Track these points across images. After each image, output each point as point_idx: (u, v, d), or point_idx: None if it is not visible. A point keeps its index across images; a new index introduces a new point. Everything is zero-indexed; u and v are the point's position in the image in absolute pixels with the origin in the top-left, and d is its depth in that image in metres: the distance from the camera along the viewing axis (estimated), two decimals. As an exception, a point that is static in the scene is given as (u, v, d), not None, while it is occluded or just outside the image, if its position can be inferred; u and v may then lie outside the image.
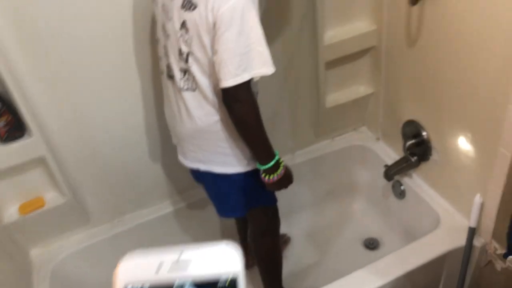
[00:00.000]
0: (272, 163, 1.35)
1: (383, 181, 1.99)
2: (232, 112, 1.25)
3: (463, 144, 1.59)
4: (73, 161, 1.69)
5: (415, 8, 1.55)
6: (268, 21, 1.67)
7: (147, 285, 0.45)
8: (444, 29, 1.49)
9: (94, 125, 1.67)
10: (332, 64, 1.95)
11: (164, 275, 0.45)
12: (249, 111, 1.25)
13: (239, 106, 1.23)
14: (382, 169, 1.95)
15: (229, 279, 0.45)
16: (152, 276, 0.45)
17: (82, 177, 1.75)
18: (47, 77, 1.50)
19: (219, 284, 0.45)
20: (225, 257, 0.46)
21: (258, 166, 1.38)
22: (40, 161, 1.62)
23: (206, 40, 1.18)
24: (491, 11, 1.29)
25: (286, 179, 1.43)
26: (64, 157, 1.66)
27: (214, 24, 1.14)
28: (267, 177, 1.37)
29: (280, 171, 1.38)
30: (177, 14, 1.21)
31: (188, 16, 1.18)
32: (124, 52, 1.57)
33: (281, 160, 1.39)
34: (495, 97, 1.37)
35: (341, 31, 1.88)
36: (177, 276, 0.45)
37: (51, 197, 1.74)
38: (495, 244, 1.58)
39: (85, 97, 1.60)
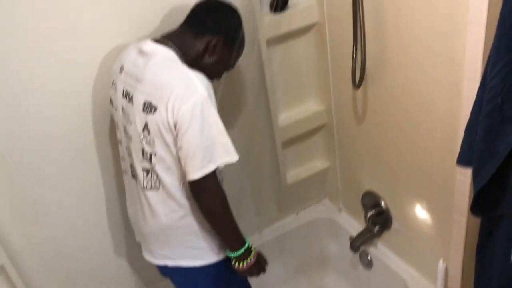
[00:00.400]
0: (242, 250, 1.36)
1: (350, 252, 2.02)
2: (201, 202, 1.28)
3: (420, 212, 1.66)
4: (36, 266, 1.63)
5: (359, 90, 1.67)
6: (224, 108, 1.76)
7: None
8: (387, 107, 1.61)
9: (56, 226, 1.63)
10: (289, 142, 2.03)
11: None
12: (216, 200, 1.28)
13: (207, 195, 1.26)
14: (348, 241, 1.98)
15: None
16: None
17: (45, 282, 1.68)
18: (1, 180, 1.47)
19: None
20: None
21: (228, 253, 1.38)
22: (0, 271, 1.56)
23: (169, 139, 1.22)
24: (423, 86, 1.41)
25: (258, 266, 1.43)
26: (25, 263, 1.60)
27: (175, 124, 1.18)
28: (237, 264, 1.37)
29: (251, 258, 1.38)
30: (138, 117, 1.25)
31: (149, 118, 1.22)
32: (85, 151, 1.58)
33: (252, 247, 1.39)
34: (444, 167, 1.46)
35: (293, 112, 1.98)
36: None
37: (12, 307, 1.65)
38: (464, 308, 1.61)
39: (45, 198, 1.58)
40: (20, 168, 1.50)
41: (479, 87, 1.06)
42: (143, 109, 1.23)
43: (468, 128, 1.10)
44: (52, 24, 1.36)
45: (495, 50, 0.94)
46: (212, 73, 1.36)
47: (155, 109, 1.20)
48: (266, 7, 1.71)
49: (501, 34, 0.91)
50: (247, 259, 1.37)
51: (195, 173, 1.21)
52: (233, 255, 1.36)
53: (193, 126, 1.18)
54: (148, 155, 1.27)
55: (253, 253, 1.39)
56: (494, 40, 0.94)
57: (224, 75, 1.46)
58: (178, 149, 1.22)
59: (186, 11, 1.37)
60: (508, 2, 0.88)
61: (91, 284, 1.80)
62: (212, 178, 1.24)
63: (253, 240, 2.12)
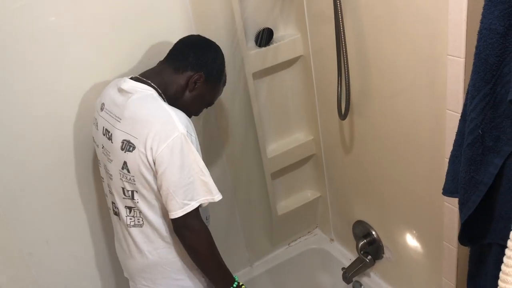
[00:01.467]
0: None
1: (343, 283, 2.00)
2: (184, 241, 1.26)
3: (411, 241, 1.66)
4: (21, 308, 1.60)
5: (346, 120, 1.69)
6: (213, 141, 1.78)
7: None
8: (373, 138, 1.63)
9: (43, 264, 1.60)
10: (278, 173, 2.03)
11: None
12: (200, 238, 1.27)
13: (190, 234, 1.25)
14: (341, 271, 1.96)
15: None
16: None
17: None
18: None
19: None
20: None
21: None
22: (-16, 314, 1.52)
23: (149, 177, 1.22)
24: (408, 117, 1.43)
25: None
26: (10, 305, 1.57)
27: (154, 163, 1.18)
28: None
29: None
30: (118, 156, 1.24)
31: (128, 157, 1.22)
32: (68, 188, 1.57)
33: (242, 285, 1.37)
34: (432, 195, 1.46)
35: (282, 143, 1.99)
36: None
37: None
38: (459, 338, 1.59)
39: (30, 237, 1.56)
40: (5, 207, 1.48)
41: (460, 118, 1.08)
42: (121, 147, 1.23)
43: (452, 159, 1.12)
44: (37, 61, 1.37)
45: (472, 83, 0.96)
46: (191, 109, 1.37)
47: (134, 148, 1.20)
48: (251, 42, 1.75)
49: (477, 68, 0.94)
50: None
51: (177, 212, 1.20)
52: None
53: (173, 165, 1.17)
54: (130, 193, 1.27)
55: None
56: (472, 73, 0.96)
57: (204, 112, 1.47)
58: (158, 187, 1.21)
59: (166, 50, 1.39)
60: (482, 37, 0.91)
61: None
62: (194, 216, 1.23)
63: (245, 273, 2.10)
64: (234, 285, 1.34)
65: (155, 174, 1.20)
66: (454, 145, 1.10)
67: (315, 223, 2.29)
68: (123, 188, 1.28)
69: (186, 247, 1.27)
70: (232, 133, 1.85)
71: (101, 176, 1.41)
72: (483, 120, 0.96)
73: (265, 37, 1.72)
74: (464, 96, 1.12)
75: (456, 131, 1.11)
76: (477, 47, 0.92)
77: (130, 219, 1.30)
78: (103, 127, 1.30)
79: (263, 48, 1.74)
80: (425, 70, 1.30)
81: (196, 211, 1.23)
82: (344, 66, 1.52)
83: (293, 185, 2.13)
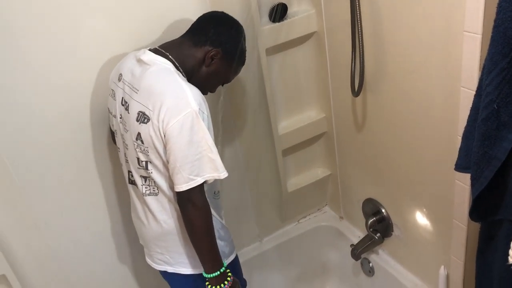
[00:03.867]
0: (217, 273, 1.32)
1: (352, 260, 2.02)
2: (184, 215, 1.28)
3: (421, 219, 1.67)
4: (37, 275, 1.64)
5: (359, 97, 1.68)
6: (225, 118, 1.78)
7: None
8: (386, 115, 1.62)
9: (58, 235, 1.64)
10: (289, 151, 2.04)
11: None
12: (200, 214, 1.27)
13: (191, 208, 1.26)
14: (349, 248, 1.98)
15: None
16: None
17: (47, 292, 1.68)
18: (4, 191, 1.48)
19: None
20: None
21: (203, 274, 1.34)
22: (1, 280, 1.56)
23: (161, 149, 1.23)
24: (421, 95, 1.43)
25: None
26: (27, 273, 1.61)
27: (165, 135, 1.20)
28: (210, 287, 1.34)
29: (226, 283, 1.33)
30: (133, 127, 1.26)
31: (143, 128, 1.23)
32: (84, 159, 1.59)
33: (229, 273, 1.36)
34: (443, 173, 1.47)
35: (293, 120, 2.00)
36: None
37: (13, 318, 1.65)
38: (466, 314, 1.61)
39: (46, 208, 1.59)
40: (21, 177, 1.51)
41: (475, 94, 1.08)
42: (137, 118, 1.25)
43: (466, 135, 1.12)
44: (52, 29, 1.38)
45: (490, 57, 0.95)
46: (206, 85, 1.38)
47: (148, 119, 1.22)
48: (265, 17, 1.74)
49: (495, 41, 0.93)
50: (221, 284, 1.33)
51: (182, 186, 1.22)
52: (207, 276, 1.32)
53: (181, 140, 1.18)
54: (144, 163, 1.29)
55: (228, 279, 1.34)
56: (489, 46, 0.96)
57: (220, 89, 1.46)
58: (167, 159, 1.23)
59: (186, 24, 1.39)
60: (502, 10, 0.90)
61: (93, 292, 1.80)
62: (198, 192, 1.24)
63: (254, 248, 2.13)
64: (221, 270, 1.33)
65: (164, 147, 1.22)
66: (468, 121, 1.10)
67: (324, 201, 2.30)
68: (137, 159, 1.30)
69: (185, 220, 1.29)
70: (244, 110, 1.86)
71: (117, 146, 1.43)
72: (499, 95, 0.95)
73: (279, 13, 1.71)
74: (480, 74, 1.11)
75: (470, 107, 1.10)
76: (495, 20, 0.92)
77: (146, 188, 1.33)
78: (122, 97, 1.32)
79: (277, 24, 1.73)
80: (441, 47, 1.29)
81: (201, 187, 1.24)
82: (359, 42, 1.51)
83: (304, 162, 2.14)
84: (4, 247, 1.52)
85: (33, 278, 1.63)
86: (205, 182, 1.24)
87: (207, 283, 1.34)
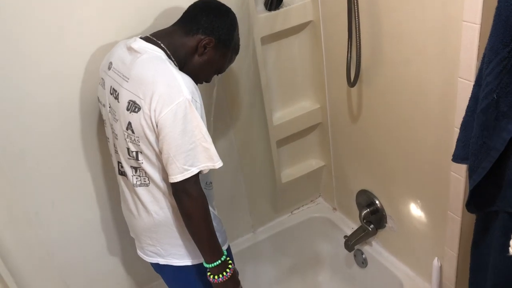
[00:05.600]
0: (218, 262, 1.30)
1: (345, 251, 2.02)
2: (181, 206, 1.26)
3: (415, 210, 1.66)
4: (28, 267, 1.61)
5: (354, 88, 1.67)
6: (219, 107, 1.76)
7: None
8: (382, 106, 1.61)
9: (48, 225, 1.61)
10: (283, 141, 2.03)
11: None
12: (196, 204, 1.25)
13: (187, 199, 1.24)
14: (343, 239, 1.98)
15: None
16: None
17: (39, 282, 1.66)
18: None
19: None
20: None
21: (204, 264, 1.32)
22: (-9, 271, 1.54)
23: (152, 139, 1.21)
24: (418, 85, 1.42)
25: (233, 281, 1.36)
26: (17, 263, 1.58)
27: (157, 125, 1.17)
28: (212, 277, 1.32)
29: (228, 271, 1.32)
30: (123, 116, 1.23)
31: (133, 117, 1.21)
32: (73, 149, 1.57)
33: (229, 261, 1.35)
34: (439, 165, 1.46)
35: (288, 111, 1.98)
36: None
37: (3, 309, 1.63)
38: (458, 306, 1.62)
39: (37, 198, 1.56)
40: (12, 168, 1.48)
41: (474, 84, 1.07)
42: (127, 108, 1.22)
43: (464, 125, 1.11)
44: (42, 17, 1.35)
45: (490, 46, 0.94)
46: (200, 74, 1.35)
47: (139, 108, 1.19)
48: (261, 5, 1.71)
49: (496, 30, 0.91)
50: (222, 272, 1.32)
51: (176, 176, 1.19)
52: (208, 266, 1.31)
53: (175, 129, 1.16)
54: (134, 153, 1.26)
55: (229, 267, 1.33)
56: (490, 36, 0.94)
57: (214, 78, 1.44)
58: (160, 149, 1.21)
59: (178, 12, 1.36)
60: (504, -3, 0.88)
61: (83, 283, 1.78)
62: (193, 183, 1.22)
63: (248, 239, 2.12)
64: (222, 259, 1.31)
65: (157, 136, 1.20)
66: (466, 111, 1.09)
67: (318, 192, 2.30)
68: (127, 149, 1.27)
69: (182, 212, 1.27)
70: (239, 99, 1.83)
71: (107, 136, 1.40)
72: (499, 85, 0.94)
73: (275, 1, 1.69)
74: (478, 64, 1.10)
75: (468, 99, 1.09)
76: (497, 8, 0.90)
77: (136, 178, 1.30)
78: (111, 86, 1.29)
79: (273, 12, 1.71)
80: (438, 37, 1.28)
81: (196, 177, 1.22)
82: (356, 31, 1.49)
83: (298, 153, 2.13)
84: (-6, 237, 1.50)
85: (24, 268, 1.61)
86: (200, 172, 1.22)
87: (208, 273, 1.32)
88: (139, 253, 1.48)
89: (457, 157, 1.15)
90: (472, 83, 1.09)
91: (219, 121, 1.79)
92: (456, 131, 1.18)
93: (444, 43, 1.27)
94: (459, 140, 1.13)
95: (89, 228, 1.71)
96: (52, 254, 1.66)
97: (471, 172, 1.09)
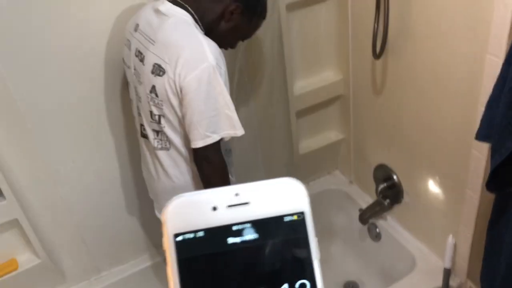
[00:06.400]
0: None
1: (359, 224, 2.03)
2: (201, 172, 1.28)
3: (433, 187, 1.65)
4: (48, 220, 1.67)
5: (379, 61, 1.63)
6: (240, 74, 1.75)
7: (201, 232, 0.38)
8: (407, 79, 1.58)
9: (68, 181, 1.66)
10: (303, 112, 2.01)
11: (220, 219, 0.38)
12: (216, 171, 1.27)
13: (207, 165, 1.26)
14: (357, 212, 1.99)
15: (295, 218, 0.39)
16: (205, 221, 0.38)
17: (57, 236, 1.72)
18: (18, 138, 1.49)
19: (284, 224, 0.39)
20: (289, 193, 0.40)
21: None
22: (14, 224, 1.59)
23: (175, 103, 1.21)
24: (444, 60, 1.38)
25: None
26: (38, 218, 1.64)
27: (181, 90, 1.17)
28: None
29: None
30: (147, 79, 1.24)
31: (158, 81, 1.21)
32: (96, 110, 1.59)
33: None
34: (460, 142, 1.44)
35: (309, 81, 1.96)
36: (235, 219, 0.38)
37: (25, 259, 1.70)
38: (470, 284, 1.62)
39: (58, 155, 1.60)
40: (34, 124, 1.51)
41: (504, 63, 1.04)
42: (152, 71, 1.22)
43: (490, 104, 1.08)
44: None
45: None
46: (226, 40, 1.34)
47: (164, 72, 1.19)
48: (288, -29, 1.67)
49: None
50: None
51: (198, 142, 1.20)
52: None
53: (199, 95, 1.16)
54: (157, 117, 1.27)
55: None
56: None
57: (240, 44, 1.43)
58: (183, 115, 1.21)
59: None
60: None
61: (100, 240, 1.84)
62: (214, 149, 1.23)
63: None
64: None
65: (181, 101, 1.20)
66: (493, 90, 1.06)
67: (335, 165, 2.29)
68: (150, 112, 1.28)
69: (202, 178, 1.28)
70: (261, 67, 1.82)
71: (130, 98, 1.41)
72: (531, 64, 0.91)
73: (302, -33, 1.65)
74: (509, 42, 1.07)
75: (495, 76, 1.06)
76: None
77: (158, 142, 1.32)
78: (136, 48, 1.29)
79: (299, -21, 1.67)
80: (470, 10, 1.23)
81: (217, 144, 1.23)
82: (385, 1, 1.45)
83: (317, 125, 2.12)
84: (17, 192, 1.54)
85: (44, 223, 1.66)
86: (221, 139, 1.23)
87: None
88: (157, 214, 1.51)
89: (481, 136, 1.13)
90: (501, 61, 1.06)
91: (239, 88, 1.78)
92: (481, 109, 1.15)
93: (475, 18, 1.22)
94: (483, 119, 1.11)
95: (108, 187, 1.75)
96: (71, 210, 1.71)
97: (493, 152, 1.07)
